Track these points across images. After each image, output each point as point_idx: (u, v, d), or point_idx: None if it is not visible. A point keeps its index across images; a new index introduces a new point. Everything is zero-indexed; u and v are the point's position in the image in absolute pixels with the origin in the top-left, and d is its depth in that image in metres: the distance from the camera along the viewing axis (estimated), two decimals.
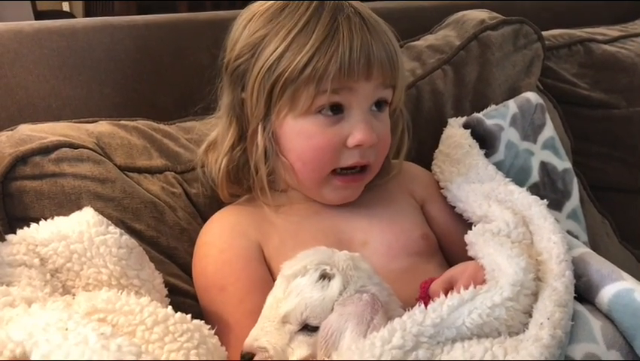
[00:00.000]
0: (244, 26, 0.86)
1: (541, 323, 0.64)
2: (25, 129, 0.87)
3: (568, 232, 0.99)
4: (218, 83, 0.91)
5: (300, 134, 0.83)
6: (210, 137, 0.92)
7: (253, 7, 0.87)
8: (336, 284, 0.69)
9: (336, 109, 0.82)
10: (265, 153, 0.85)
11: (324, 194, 0.87)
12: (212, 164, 0.89)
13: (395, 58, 0.84)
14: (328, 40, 0.79)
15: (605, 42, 1.36)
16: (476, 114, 1.05)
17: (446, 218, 0.92)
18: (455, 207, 0.91)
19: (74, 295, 0.72)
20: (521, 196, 0.86)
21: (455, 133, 1.01)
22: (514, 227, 0.80)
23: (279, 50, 0.80)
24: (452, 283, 0.74)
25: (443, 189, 0.94)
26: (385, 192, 0.92)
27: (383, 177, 0.92)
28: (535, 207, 0.83)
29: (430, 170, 0.99)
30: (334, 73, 0.79)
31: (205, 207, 0.93)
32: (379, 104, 0.85)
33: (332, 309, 0.68)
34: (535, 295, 0.69)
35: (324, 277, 0.70)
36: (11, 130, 0.88)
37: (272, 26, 0.82)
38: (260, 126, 0.84)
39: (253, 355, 0.69)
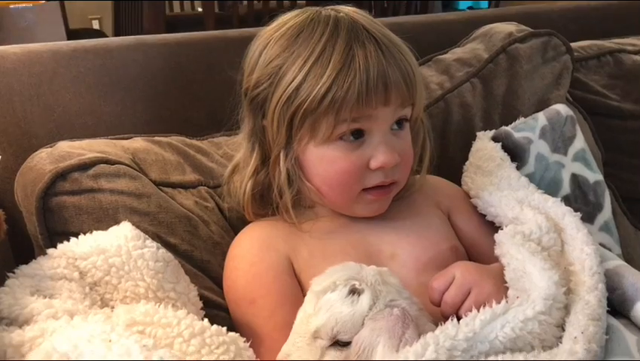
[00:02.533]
0: (260, 52, 0.86)
1: (575, 337, 0.64)
2: (64, 146, 0.89)
3: (601, 245, 0.97)
4: (239, 108, 0.92)
5: (323, 161, 0.83)
6: (234, 160, 0.93)
7: (268, 32, 0.87)
8: (365, 299, 0.69)
9: (357, 134, 0.82)
10: (289, 178, 0.86)
11: (355, 210, 0.88)
12: (237, 187, 0.90)
13: (412, 76, 0.84)
14: (345, 70, 0.79)
15: (635, 52, 1.35)
16: (504, 127, 1.05)
17: (473, 228, 0.92)
18: (486, 215, 0.90)
19: (112, 307, 0.74)
20: (555, 205, 0.85)
21: (486, 146, 1.01)
22: (546, 232, 0.79)
23: (297, 80, 0.81)
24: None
25: (473, 198, 0.93)
26: (412, 205, 0.92)
27: (407, 189, 0.92)
28: (569, 217, 0.82)
29: (459, 182, 1.00)
30: (353, 103, 0.79)
31: (237, 221, 0.94)
32: (400, 122, 0.86)
33: (362, 324, 0.68)
34: (567, 308, 0.69)
35: (354, 292, 0.70)
36: (51, 147, 0.90)
37: (287, 55, 0.83)
38: (282, 153, 0.85)
39: None
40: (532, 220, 0.80)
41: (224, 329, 0.69)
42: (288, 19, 0.87)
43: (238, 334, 0.70)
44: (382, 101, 0.81)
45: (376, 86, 0.79)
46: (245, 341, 0.70)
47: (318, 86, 0.79)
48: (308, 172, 0.86)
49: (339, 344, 0.69)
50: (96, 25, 4.06)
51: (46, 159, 0.86)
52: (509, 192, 0.89)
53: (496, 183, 0.93)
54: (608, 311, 0.70)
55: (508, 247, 0.76)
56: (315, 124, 0.81)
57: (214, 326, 0.68)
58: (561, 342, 0.66)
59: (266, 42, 0.86)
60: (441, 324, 0.67)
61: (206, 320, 0.70)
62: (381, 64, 0.80)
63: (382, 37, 0.83)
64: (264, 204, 0.90)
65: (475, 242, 0.91)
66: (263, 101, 0.85)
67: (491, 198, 0.90)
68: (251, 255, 0.86)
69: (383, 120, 0.83)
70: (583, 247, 0.76)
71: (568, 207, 0.84)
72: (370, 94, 0.79)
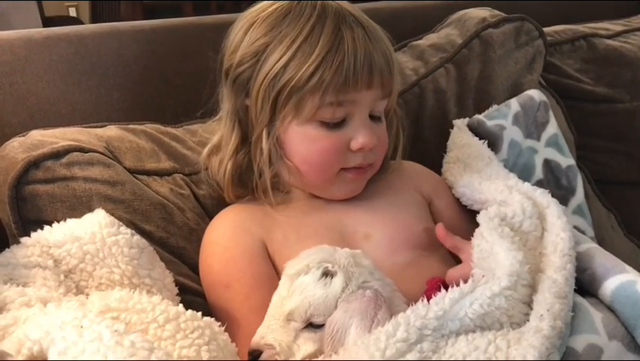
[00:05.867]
0: (244, 32, 0.87)
1: (541, 315, 0.65)
2: (36, 135, 0.89)
3: (575, 228, 0.99)
4: (219, 88, 0.92)
5: (305, 139, 0.85)
6: (212, 141, 0.93)
7: (253, 13, 0.88)
8: (338, 281, 0.70)
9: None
10: (269, 157, 0.87)
11: (332, 190, 0.89)
12: (216, 167, 0.91)
13: (392, 64, 0.87)
14: (333, 51, 0.81)
15: (608, 37, 1.37)
16: (477, 116, 1.06)
17: (453, 213, 0.94)
18: (473, 204, 0.91)
19: (87, 295, 0.74)
20: (541, 195, 0.86)
21: (472, 143, 1.01)
22: (529, 216, 0.80)
23: (284, 58, 0.82)
24: None
25: (460, 188, 0.93)
26: (388, 187, 0.94)
27: (383, 172, 0.94)
28: (553, 207, 0.83)
29: (433, 166, 1.01)
30: (340, 84, 0.81)
31: (212, 208, 0.95)
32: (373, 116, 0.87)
33: (335, 306, 0.69)
34: (533, 287, 0.70)
35: (327, 274, 0.71)
36: (23, 136, 0.89)
37: (274, 34, 0.84)
38: (264, 132, 0.86)
39: (260, 352, 0.71)
40: (518, 204, 0.81)
41: (199, 313, 0.69)
42: (272, 2, 0.87)
43: (213, 318, 0.70)
44: (366, 84, 0.83)
45: (362, 68, 0.81)
46: (220, 326, 0.71)
47: (306, 65, 0.81)
48: (288, 151, 0.87)
49: (313, 326, 0.70)
50: (72, 12, 4.00)
51: (18, 148, 0.86)
52: (499, 180, 0.90)
53: (486, 177, 0.93)
54: (576, 291, 0.72)
55: (482, 228, 0.78)
56: (300, 103, 0.83)
57: (189, 311, 0.69)
58: (529, 320, 0.67)
59: (252, 22, 0.87)
60: (412, 304, 0.68)
61: (181, 305, 0.70)
62: (368, 47, 0.83)
63: (367, 25, 0.85)
64: (243, 185, 0.91)
65: (454, 225, 0.92)
66: (247, 80, 0.86)
67: (480, 186, 0.91)
68: (225, 239, 0.87)
69: (365, 105, 0.85)
70: (559, 233, 0.77)
71: (554, 199, 0.85)
72: (357, 76, 0.81)
